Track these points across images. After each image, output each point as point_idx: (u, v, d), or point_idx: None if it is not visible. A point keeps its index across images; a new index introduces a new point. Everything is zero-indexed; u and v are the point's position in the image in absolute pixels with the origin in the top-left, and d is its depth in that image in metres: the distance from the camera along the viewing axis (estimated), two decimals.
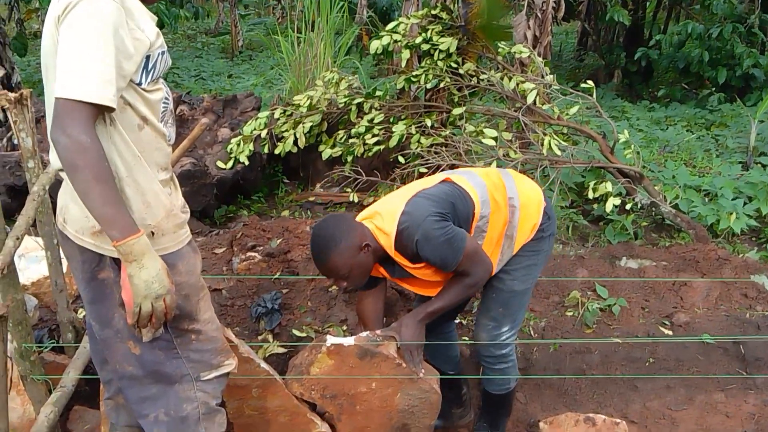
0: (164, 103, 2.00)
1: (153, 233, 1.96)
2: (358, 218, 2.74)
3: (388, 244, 2.63)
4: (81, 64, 1.71)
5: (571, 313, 3.87)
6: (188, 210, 2.18)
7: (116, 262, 1.94)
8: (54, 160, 1.93)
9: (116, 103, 1.78)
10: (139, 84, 1.88)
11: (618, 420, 2.81)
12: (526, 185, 2.95)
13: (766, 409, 3.56)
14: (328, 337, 2.86)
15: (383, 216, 2.66)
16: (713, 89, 9.79)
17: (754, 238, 5.22)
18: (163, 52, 1.97)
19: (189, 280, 2.09)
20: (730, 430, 3.46)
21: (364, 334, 2.85)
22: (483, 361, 3.07)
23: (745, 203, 5.24)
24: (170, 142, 2.08)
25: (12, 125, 2.83)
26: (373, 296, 3.00)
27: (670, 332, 3.79)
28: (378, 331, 2.87)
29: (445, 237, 2.58)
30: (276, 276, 3.83)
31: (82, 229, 1.95)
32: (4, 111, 3.03)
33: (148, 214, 1.95)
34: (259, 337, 3.51)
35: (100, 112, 1.78)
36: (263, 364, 2.80)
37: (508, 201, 2.81)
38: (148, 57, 1.90)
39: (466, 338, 3.62)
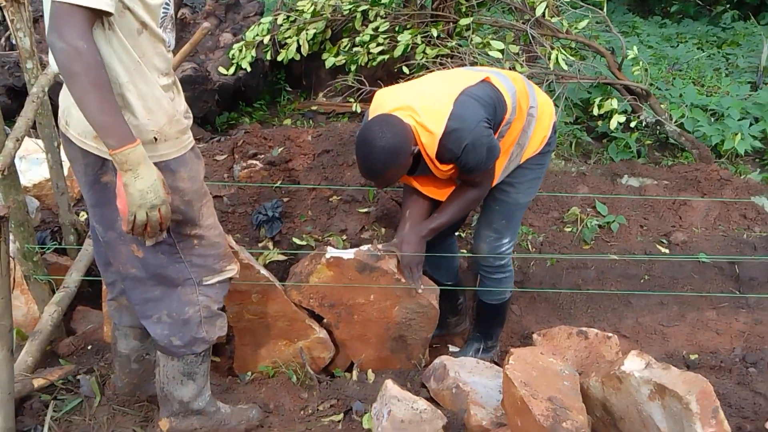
0: (164, 8, 1.94)
1: (156, 139, 1.95)
2: (390, 110, 2.60)
3: (431, 144, 2.54)
4: None
5: (569, 229, 3.89)
6: (191, 116, 2.17)
7: None
8: (53, 62, 1.90)
9: (114, 8, 1.74)
10: None
11: (610, 334, 2.86)
12: (542, 96, 2.92)
13: (757, 327, 3.63)
14: (329, 248, 2.88)
15: (425, 114, 2.53)
16: (728, 6, 9.55)
17: (757, 159, 5.20)
18: None
19: (192, 187, 2.09)
20: (720, 346, 3.54)
21: (365, 248, 2.87)
22: (482, 271, 3.11)
23: (751, 124, 5.18)
24: (170, 48, 2.03)
25: (9, 24, 2.77)
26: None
27: (667, 251, 3.82)
28: (380, 246, 2.89)
29: (489, 145, 2.56)
30: (277, 184, 3.83)
31: (84, 132, 1.93)
32: (1, 10, 2.95)
33: (151, 119, 1.94)
34: (260, 245, 3.54)
35: (98, 16, 1.74)
36: (263, 271, 2.84)
37: (528, 110, 2.78)
38: None
39: (464, 251, 3.65)
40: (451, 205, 2.81)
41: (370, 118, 2.63)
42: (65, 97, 1.99)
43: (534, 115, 2.81)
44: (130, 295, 2.24)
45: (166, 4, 1.95)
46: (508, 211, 2.96)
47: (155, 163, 1.92)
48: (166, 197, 1.90)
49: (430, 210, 2.91)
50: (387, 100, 2.65)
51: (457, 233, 3.49)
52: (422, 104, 2.56)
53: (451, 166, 2.63)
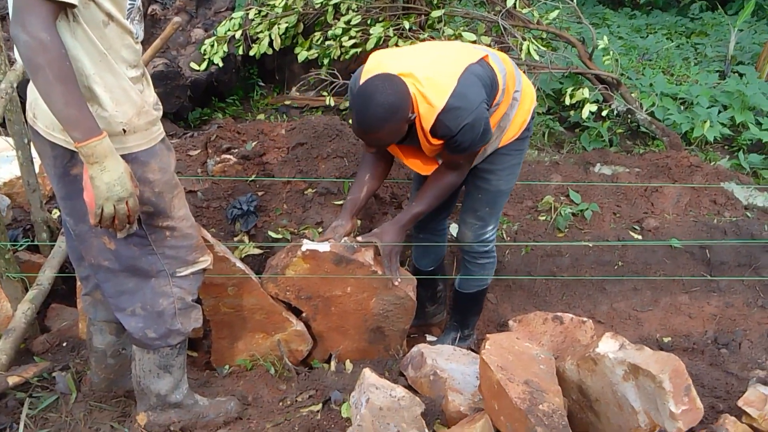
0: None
1: (124, 131, 1.94)
2: (394, 71, 2.53)
3: (428, 116, 2.50)
4: None
5: (544, 218, 3.92)
6: (161, 107, 2.16)
7: None
8: (19, 57, 1.88)
9: (78, 0, 1.73)
10: None
11: (585, 319, 2.89)
12: (526, 80, 2.93)
13: (728, 310, 3.70)
14: (305, 241, 2.87)
15: (428, 85, 2.49)
16: None
17: (726, 147, 5.28)
18: None
19: (162, 178, 2.08)
20: (692, 329, 3.60)
21: (342, 240, 2.87)
22: (466, 257, 3.13)
23: (720, 112, 5.27)
24: (138, 40, 2.02)
25: None
26: (382, 154, 2.91)
27: (640, 237, 3.87)
28: (359, 238, 2.90)
29: (485, 128, 2.57)
30: (251, 178, 3.81)
31: (52, 124, 1.92)
32: None
33: (119, 111, 1.92)
34: (235, 239, 3.53)
35: (62, 8, 1.73)
36: (239, 263, 2.83)
37: (513, 93, 2.79)
38: None
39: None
40: (428, 191, 2.81)
41: (365, 77, 2.56)
42: (32, 91, 1.97)
43: (518, 99, 2.81)
44: (104, 288, 2.22)
45: None
46: (491, 199, 2.99)
47: (125, 156, 1.92)
48: (133, 190, 1.90)
49: (385, 173, 2.94)
50: (388, 63, 2.60)
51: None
52: (426, 74, 2.51)
53: (440, 142, 2.60)
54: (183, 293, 2.27)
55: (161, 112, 2.14)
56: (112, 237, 2.06)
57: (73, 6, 1.73)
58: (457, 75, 2.53)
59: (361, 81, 2.57)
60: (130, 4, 1.93)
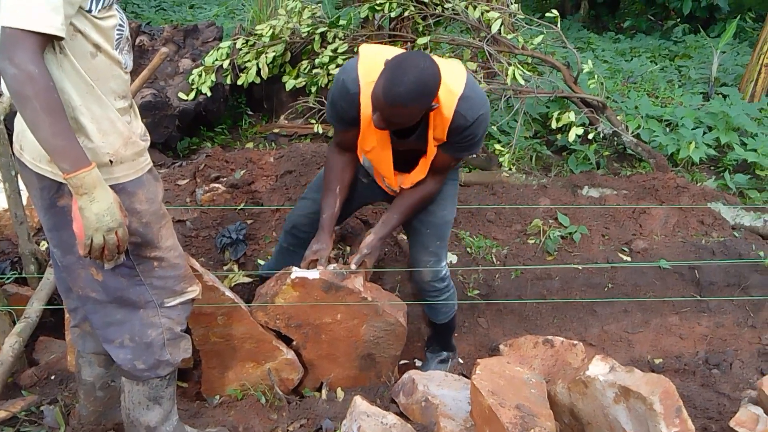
0: (118, 30, 1.94)
1: (111, 161, 1.94)
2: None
3: (449, 103, 2.43)
4: None
5: (533, 241, 3.93)
6: (148, 138, 2.16)
7: None
8: (6, 89, 1.88)
9: (65, 32, 1.73)
10: (89, 11, 1.81)
11: (575, 342, 2.89)
12: None
13: (718, 330, 3.70)
14: (294, 269, 2.86)
15: (445, 72, 2.40)
16: (678, 20, 9.80)
17: (712, 167, 5.32)
18: None
19: (150, 208, 2.08)
20: (684, 350, 3.60)
21: (331, 267, 2.86)
22: (428, 296, 3.11)
23: (704, 133, 5.32)
24: (127, 69, 2.02)
25: None
26: (351, 159, 2.86)
27: (629, 258, 3.88)
28: (351, 259, 2.87)
29: (488, 119, 2.59)
30: (240, 207, 3.82)
31: (39, 156, 1.92)
32: None
33: (105, 142, 1.92)
34: (225, 268, 3.53)
35: (49, 40, 1.73)
36: (228, 292, 2.82)
37: None
38: None
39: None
40: (408, 202, 2.79)
41: (368, 67, 2.47)
42: (19, 122, 1.97)
43: None
44: (92, 319, 2.21)
45: (120, 25, 1.95)
46: (439, 232, 2.97)
47: (112, 186, 1.92)
48: (122, 220, 1.90)
49: (351, 181, 2.88)
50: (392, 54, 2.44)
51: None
52: (439, 63, 2.42)
53: (442, 140, 2.55)
54: (172, 323, 2.25)
55: (149, 143, 2.14)
56: (99, 268, 2.05)
57: (60, 38, 1.74)
58: (462, 69, 2.54)
59: (362, 81, 2.48)
60: (118, 34, 1.94)
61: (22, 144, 1.98)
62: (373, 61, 2.47)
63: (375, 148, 2.67)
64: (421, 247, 2.99)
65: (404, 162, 2.75)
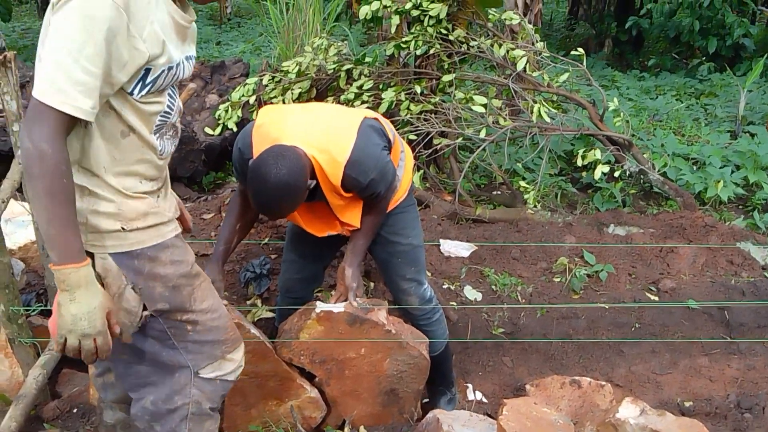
0: (163, 115, 1.84)
1: (123, 228, 1.81)
2: (289, 136, 2.50)
3: (335, 171, 2.50)
4: (62, 66, 1.57)
5: (558, 279, 3.89)
6: (178, 212, 2.06)
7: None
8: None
9: (94, 116, 1.63)
10: (131, 94, 1.72)
11: (603, 382, 2.84)
12: (405, 143, 3.01)
13: (749, 373, 3.62)
14: (318, 303, 2.86)
15: (329, 141, 2.50)
16: (703, 59, 9.80)
17: (740, 206, 5.26)
18: (171, 67, 1.79)
19: (177, 271, 1.93)
20: (714, 393, 3.52)
21: (355, 302, 2.84)
22: (420, 323, 3.10)
23: (732, 171, 5.27)
24: (163, 156, 1.91)
25: None
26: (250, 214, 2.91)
27: (656, 298, 3.83)
28: (359, 299, 2.85)
29: (392, 171, 2.65)
30: (264, 241, 3.82)
31: None
32: None
33: (123, 210, 1.81)
34: (248, 302, 3.52)
35: (75, 121, 1.64)
36: (253, 329, 2.81)
37: (400, 153, 2.88)
38: (148, 70, 1.72)
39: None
40: (368, 223, 2.79)
41: (258, 144, 2.54)
42: None
43: (403, 159, 2.89)
44: (123, 380, 2.10)
45: (166, 112, 1.85)
46: (411, 258, 2.99)
47: (127, 252, 1.81)
48: (103, 329, 1.72)
49: (254, 221, 2.98)
50: (280, 127, 2.55)
51: None
52: (324, 130, 2.54)
53: (351, 195, 2.62)
54: (201, 397, 2.10)
55: (177, 214, 2.05)
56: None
57: (87, 121, 1.64)
58: (355, 127, 2.58)
59: (254, 148, 2.56)
60: (161, 120, 1.84)
61: None
62: (266, 129, 2.57)
63: None
64: (397, 278, 3.01)
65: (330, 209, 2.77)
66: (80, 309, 1.67)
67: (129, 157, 1.79)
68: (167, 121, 1.87)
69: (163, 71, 1.76)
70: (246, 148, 2.62)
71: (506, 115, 4.70)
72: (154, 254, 1.88)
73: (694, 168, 5.47)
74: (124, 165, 1.79)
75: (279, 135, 2.51)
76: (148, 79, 1.73)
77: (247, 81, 5.28)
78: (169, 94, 1.86)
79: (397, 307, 3.15)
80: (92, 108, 1.61)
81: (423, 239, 3.09)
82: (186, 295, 1.97)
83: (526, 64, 4.68)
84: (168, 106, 1.84)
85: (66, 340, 1.70)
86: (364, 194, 2.63)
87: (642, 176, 4.96)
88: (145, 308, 1.91)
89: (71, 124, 1.63)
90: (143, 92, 1.73)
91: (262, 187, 2.37)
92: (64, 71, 1.57)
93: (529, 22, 5.42)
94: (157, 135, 1.84)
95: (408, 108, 4.78)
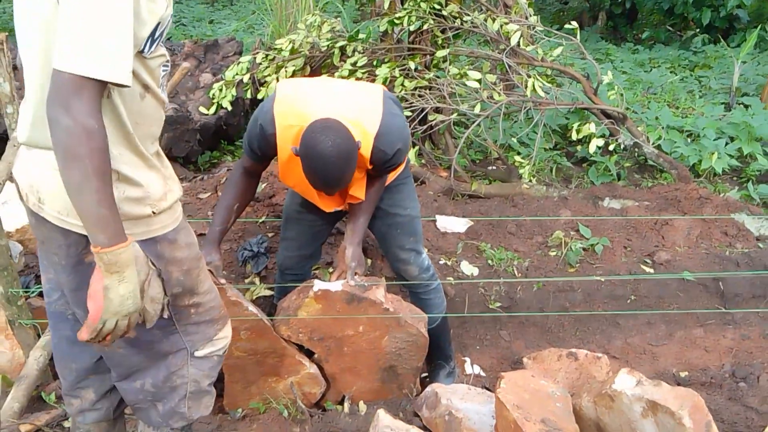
0: (164, 67, 1.77)
1: (154, 212, 1.75)
2: (317, 112, 2.48)
3: (366, 143, 2.52)
4: (95, 33, 1.45)
5: (554, 253, 3.91)
6: (177, 180, 1.99)
7: None
8: (21, 134, 1.70)
9: (131, 80, 1.53)
10: (142, 52, 1.62)
11: (600, 354, 2.87)
12: None
13: (744, 343, 3.66)
14: (316, 281, 2.86)
15: (358, 112, 2.51)
16: (697, 30, 9.77)
17: (735, 178, 5.28)
18: (171, 15, 1.72)
19: (190, 254, 1.90)
20: (709, 363, 3.55)
21: (352, 281, 2.85)
22: (420, 292, 3.14)
23: (726, 143, 5.29)
24: (166, 110, 1.86)
25: None
26: (254, 184, 2.92)
27: (652, 270, 3.85)
28: (358, 278, 2.86)
29: (410, 141, 2.69)
30: (261, 220, 3.83)
31: (66, 209, 1.66)
32: None
33: (149, 192, 1.74)
34: (246, 281, 3.53)
35: (106, 89, 1.55)
36: (251, 307, 2.82)
37: None
38: (157, 24, 1.63)
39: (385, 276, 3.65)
40: (364, 203, 2.81)
41: (279, 111, 2.53)
42: (34, 170, 1.72)
43: None
44: (114, 370, 2.04)
45: (166, 62, 1.78)
46: (410, 228, 3.02)
47: (153, 238, 1.76)
48: (141, 304, 1.69)
49: (250, 201, 2.97)
50: (307, 104, 2.53)
51: None
52: (350, 102, 2.55)
53: (372, 166, 2.63)
54: (199, 375, 2.08)
55: (180, 188, 1.98)
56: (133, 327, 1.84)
57: (125, 86, 1.53)
58: (380, 99, 2.60)
59: (277, 123, 2.53)
60: (163, 70, 1.76)
61: (41, 197, 1.70)
62: (289, 105, 2.54)
63: (298, 184, 2.71)
64: (397, 248, 3.04)
65: None
66: (128, 288, 1.62)
67: (148, 119, 1.73)
68: (167, 70, 1.81)
69: (168, 22, 1.70)
70: (268, 124, 2.57)
71: (500, 90, 4.70)
72: (174, 237, 1.84)
73: (689, 140, 5.48)
74: (143, 129, 1.72)
75: (305, 110, 2.50)
76: (156, 34, 1.64)
77: (241, 60, 5.26)
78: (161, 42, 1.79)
79: (395, 282, 3.17)
80: (130, 72, 1.53)
81: (419, 211, 3.12)
82: (194, 278, 1.94)
83: (519, 39, 4.67)
84: (164, 53, 1.76)
85: (105, 324, 1.64)
86: (387, 165, 2.63)
87: (636, 149, 4.97)
88: (165, 294, 1.86)
89: (103, 95, 1.54)
90: (152, 48, 1.65)
91: (324, 162, 2.36)
92: (101, 39, 1.46)
93: None
94: (162, 88, 1.78)
95: (402, 84, 4.77)
